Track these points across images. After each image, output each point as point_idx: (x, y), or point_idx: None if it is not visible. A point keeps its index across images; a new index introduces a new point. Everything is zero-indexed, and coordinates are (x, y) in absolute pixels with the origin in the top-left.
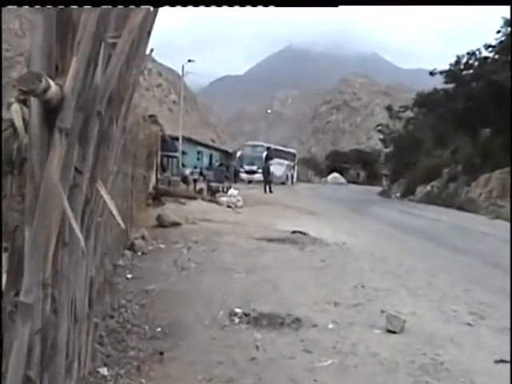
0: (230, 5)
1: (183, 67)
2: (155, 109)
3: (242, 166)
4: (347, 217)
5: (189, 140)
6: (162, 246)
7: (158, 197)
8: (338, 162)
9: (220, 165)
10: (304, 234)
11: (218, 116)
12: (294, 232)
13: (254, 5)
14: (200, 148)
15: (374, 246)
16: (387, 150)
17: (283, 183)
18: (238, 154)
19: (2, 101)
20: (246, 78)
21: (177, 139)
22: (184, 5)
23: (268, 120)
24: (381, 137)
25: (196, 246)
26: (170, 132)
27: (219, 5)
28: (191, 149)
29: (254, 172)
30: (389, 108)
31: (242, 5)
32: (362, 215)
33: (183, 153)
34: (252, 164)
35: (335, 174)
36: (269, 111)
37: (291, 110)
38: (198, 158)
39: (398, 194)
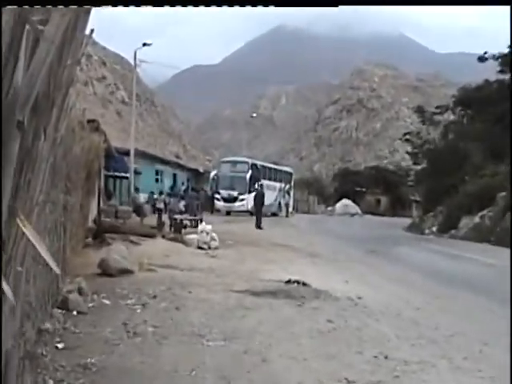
0: (230, 5)
1: (136, 54)
2: (97, 111)
3: (217, 191)
4: (363, 261)
5: (144, 155)
6: (106, 302)
7: (100, 234)
8: (349, 185)
9: (192, 189)
10: (303, 284)
11: (184, 121)
12: (289, 282)
13: (254, 5)
14: (159, 166)
15: (401, 302)
16: (418, 168)
17: (274, 214)
18: (212, 174)
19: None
20: (222, 69)
21: (127, 154)
22: (184, 5)
23: (253, 127)
24: (409, 149)
25: (154, 303)
26: (119, 144)
27: (219, 5)
28: (147, 167)
29: (233, 199)
30: (420, 109)
31: (242, 5)
32: (383, 259)
33: (136, 172)
34: (231, 188)
35: (346, 202)
36: (254, 115)
37: (285, 112)
38: (158, 180)
39: (435, 229)
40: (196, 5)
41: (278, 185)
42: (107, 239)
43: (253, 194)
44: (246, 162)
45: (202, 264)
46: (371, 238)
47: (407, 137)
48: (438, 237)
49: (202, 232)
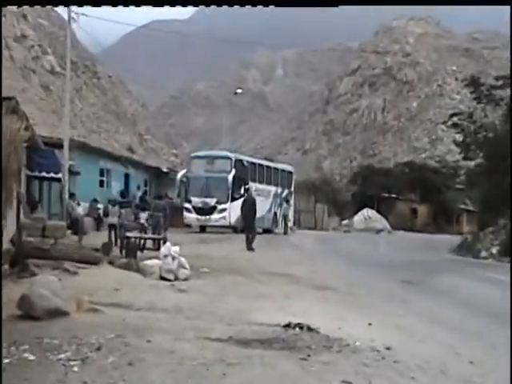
0: (230, 5)
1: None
2: (15, 84)
3: (187, 199)
4: (393, 296)
5: (83, 148)
6: (29, 356)
7: (21, 259)
8: (373, 189)
9: (155, 197)
10: (309, 329)
11: (140, 100)
12: (288, 326)
13: (254, 5)
14: (105, 163)
15: (448, 355)
16: (471, 165)
17: (268, 230)
18: (181, 174)
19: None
20: (193, 27)
21: (59, 146)
22: (184, 5)
23: (238, 108)
24: (458, 138)
25: (98, 357)
26: (47, 132)
27: (219, 4)
28: (88, 165)
29: (210, 210)
30: (474, 81)
31: (242, 5)
32: (421, 293)
33: (72, 172)
34: (207, 195)
35: (369, 213)
36: (239, 91)
37: (282, 88)
38: (103, 183)
39: (495, 250)
40: (196, 5)
41: (272, 189)
42: (31, 267)
43: (237, 202)
44: (228, 158)
45: (167, 301)
46: (404, 263)
47: (455, 120)
48: (500, 261)
49: (166, 256)
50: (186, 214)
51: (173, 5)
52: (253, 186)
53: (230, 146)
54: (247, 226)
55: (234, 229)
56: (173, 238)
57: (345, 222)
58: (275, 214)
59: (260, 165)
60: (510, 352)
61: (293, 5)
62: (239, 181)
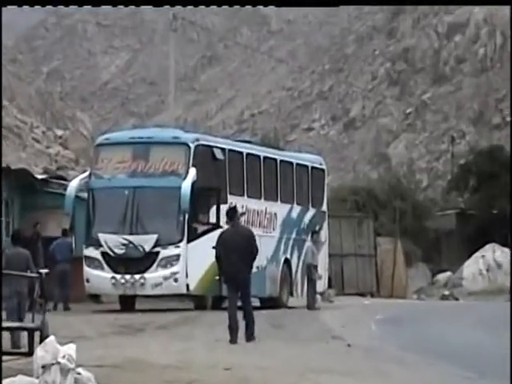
0: (231, 5)
1: None
2: None
3: (89, 240)
4: None
5: None
6: None
7: None
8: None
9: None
10: None
11: None
12: None
13: (254, 5)
14: None
15: None
16: None
17: (271, 300)
18: (74, 186)
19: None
20: None
21: None
22: (184, 5)
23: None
24: None
25: None
26: None
27: (219, 5)
28: None
29: (143, 261)
30: None
31: (242, 5)
32: None
33: None
34: (136, 228)
35: (496, 254)
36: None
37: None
38: None
39: None
40: (196, 5)
41: (280, 210)
42: None
43: (201, 241)
44: (181, 144)
45: None
46: None
47: None
48: None
49: (45, 369)
50: (88, 270)
51: (173, 5)
52: (237, 203)
53: (184, 118)
54: (235, 286)
55: (195, 301)
56: (63, 323)
57: (441, 276)
58: (287, 262)
59: (251, 156)
60: (510, 352)
61: (293, 5)
62: (206, 194)
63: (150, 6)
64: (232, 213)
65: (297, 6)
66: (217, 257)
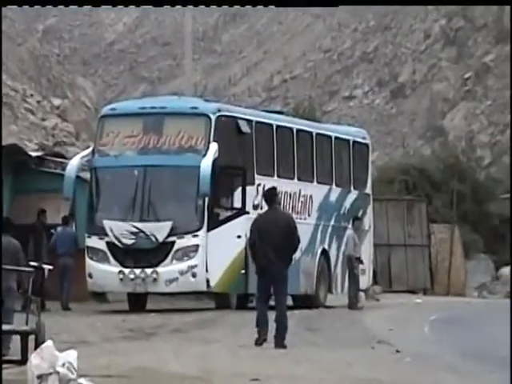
0: (231, 5)
1: None
2: None
3: (92, 228)
4: None
5: None
6: None
7: None
8: None
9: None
10: None
11: None
12: None
13: (254, 5)
14: None
15: None
16: None
17: (307, 299)
18: (75, 164)
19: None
20: None
21: None
22: (184, 5)
23: None
24: None
25: None
26: None
27: (219, 5)
28: None
29: (156, 253)
30: None
31: (242, 5)
32: None
33: None
34: (146, 214)
35: None
36: None
37: None
38: None
39: None
40: (196, 5)
41: (318, 193)
42: None
43: (224, 229)
44: (201, 114)
45: None
46: None
47: None
48: None
49: (41, 379)
50: (91, 264)
51: (173, 5)
52: (266, 184)
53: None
54: (267, 281)
55: (217, 299)
56: (62, 326)
57: (507, 269)
58: (324, 254)
59: (283, 129)
60: (509, 352)
61: (293, 5)
62: (229, 174)
63: None
64: (271, 195)
65: (297, 6)
66: (250, 244)
